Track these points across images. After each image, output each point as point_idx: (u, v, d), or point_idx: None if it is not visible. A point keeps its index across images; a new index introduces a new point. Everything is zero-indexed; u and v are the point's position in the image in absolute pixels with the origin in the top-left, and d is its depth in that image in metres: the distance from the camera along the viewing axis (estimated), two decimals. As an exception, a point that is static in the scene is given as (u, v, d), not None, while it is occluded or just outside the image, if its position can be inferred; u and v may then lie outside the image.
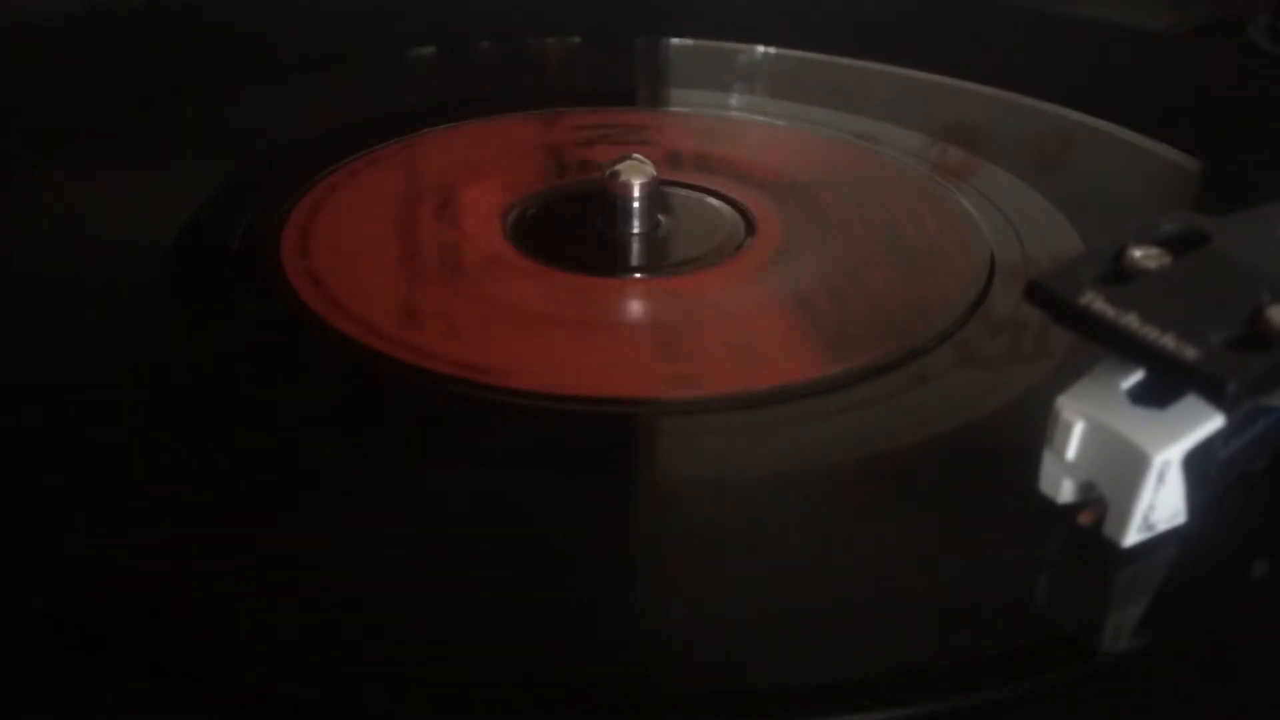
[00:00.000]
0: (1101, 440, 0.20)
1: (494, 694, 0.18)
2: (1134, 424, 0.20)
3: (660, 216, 0.32)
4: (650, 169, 0.31)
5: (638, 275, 0.30)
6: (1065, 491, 0.21)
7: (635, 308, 0.29)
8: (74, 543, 0.20)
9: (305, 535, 0.21)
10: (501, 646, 0.18)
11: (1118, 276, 0.21)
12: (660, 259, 0.31)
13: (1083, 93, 0.40)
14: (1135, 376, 0.20)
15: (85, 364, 0.26)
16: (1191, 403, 0.20)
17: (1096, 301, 0.20)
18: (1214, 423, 0.20)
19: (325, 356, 0.26)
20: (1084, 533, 0.20)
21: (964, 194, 0.34)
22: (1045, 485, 0.21)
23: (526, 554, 0.20)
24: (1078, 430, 0.20)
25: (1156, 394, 0.20)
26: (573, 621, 0.19)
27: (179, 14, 0.46)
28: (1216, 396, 0.19)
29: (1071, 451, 0.20)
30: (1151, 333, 0.19)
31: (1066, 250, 0.31)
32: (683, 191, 0.34)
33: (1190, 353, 0.19)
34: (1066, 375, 0.21)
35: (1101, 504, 0.20)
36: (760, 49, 0.45)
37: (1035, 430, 0.21)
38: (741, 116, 0.40)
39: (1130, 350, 0.20)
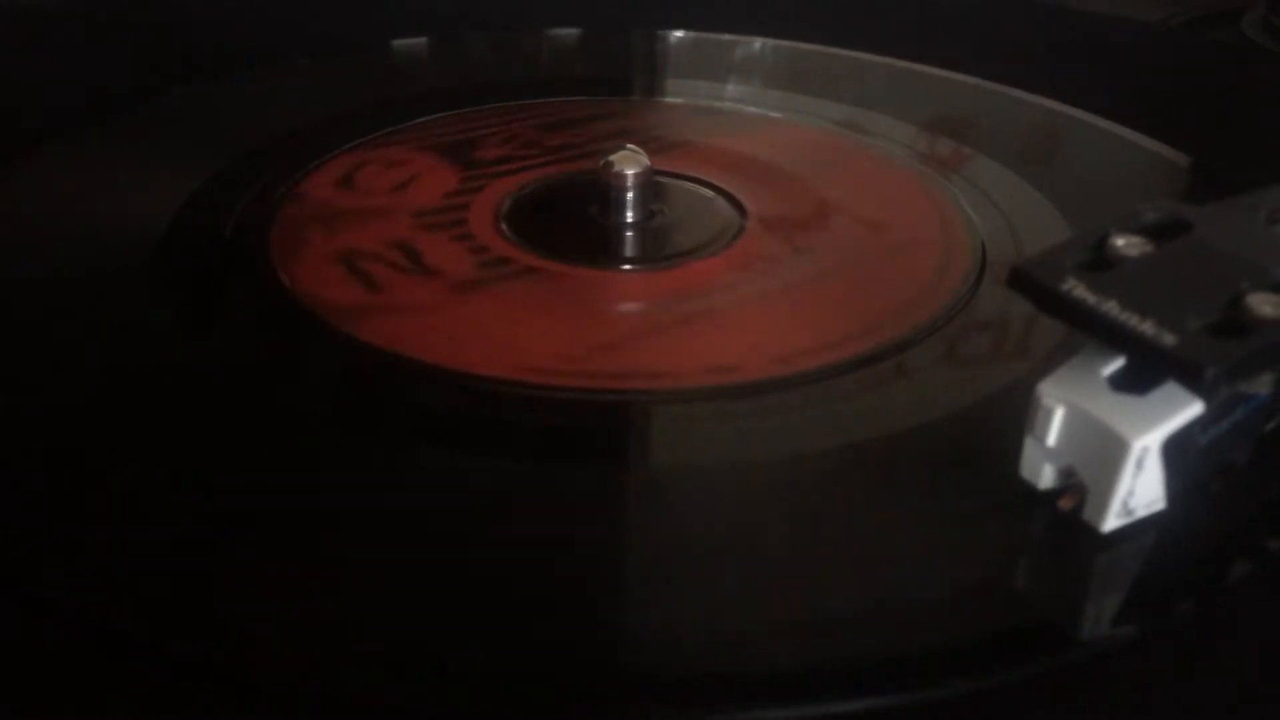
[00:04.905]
0: (1081, 426, 0.20)
1: (488, 691, 0.18)
2: (1114, 410, 0.20)
3: (654, 206, 0.32)
4: (644, 159, 0.32)
5: (630, 266, 0.30)
6: (1045, 477, 0.21)
7: (627, 298, 0.29)
8: (66, 535, 0.20)
9: (298, 530, 0.21)
10: (498, 643, 0.19)
11: (1099, 263, 0.21)
12: (654, 249, 0.31)
13: (1078, 85, 0.40)
14: (1116, 363, 0.20)
15: (76, 353, 0.26)
16: (1171, 389, 0.20)
17: (1077, 288, 0.20)
18: (1193, 409, 0.20)
19: (316, 346, 0.27)
20: (1063, 518, 0.20)
21: (955, 185, 0.34)
22: (1026, 471, 0.21)
23: (521, 549, 0.20)
24: (1058, 416, 0.20)
25: (1136, 381, 0.20)
26: (564, 616, 0.19)
27: (173, 2, 0.46)
28: (1195, 382, 0.19)
29: (1052, 437, 0.20)
30: (1131, 319, 0.19)
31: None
32: (676, 182, 0.34)
33: (1169, 339, 0.19)
34: (1052, 365, 0.21)
35: (1081, 489, 0.20)
36: (752, 40, 0.45)
37: (1020, 419, 0.21)
38: (735, 108, 0.40)
39: (1110, 336, 0.20)
